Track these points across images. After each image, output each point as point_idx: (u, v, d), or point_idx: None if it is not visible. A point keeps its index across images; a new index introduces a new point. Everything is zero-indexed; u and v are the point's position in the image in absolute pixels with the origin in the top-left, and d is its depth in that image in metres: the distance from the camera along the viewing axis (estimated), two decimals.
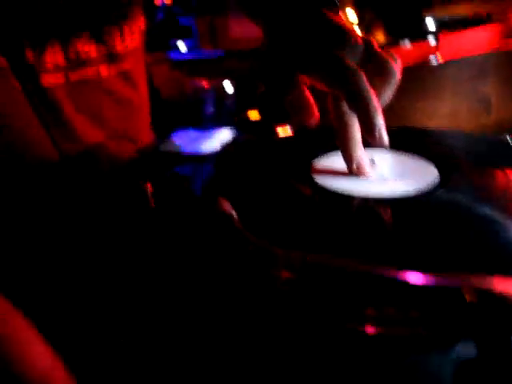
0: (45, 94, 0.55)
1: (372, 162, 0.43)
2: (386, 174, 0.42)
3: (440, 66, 0.87)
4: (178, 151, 0.87)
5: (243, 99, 1.48)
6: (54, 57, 0.55)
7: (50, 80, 0.55)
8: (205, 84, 1.62)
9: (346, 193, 0.37)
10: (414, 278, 0.22)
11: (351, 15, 1.61)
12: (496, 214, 0.31)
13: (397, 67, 0.44)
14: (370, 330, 0.22)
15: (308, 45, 0.43)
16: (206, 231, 0.32)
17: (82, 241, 0.49)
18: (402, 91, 0.74)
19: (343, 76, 0.40)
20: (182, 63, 1.83)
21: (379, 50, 0.45)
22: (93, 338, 0.42)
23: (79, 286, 0.46)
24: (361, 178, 0.41)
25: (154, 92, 1.45)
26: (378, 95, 0.40)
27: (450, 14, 1.27)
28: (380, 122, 0.39)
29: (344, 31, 0.43)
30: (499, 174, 0.41)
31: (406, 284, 0.22)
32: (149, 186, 0.39)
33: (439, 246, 0.29)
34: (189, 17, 1.89)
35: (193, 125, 1.15)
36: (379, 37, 1.60)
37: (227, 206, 0.33)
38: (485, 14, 1.32)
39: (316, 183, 0.40)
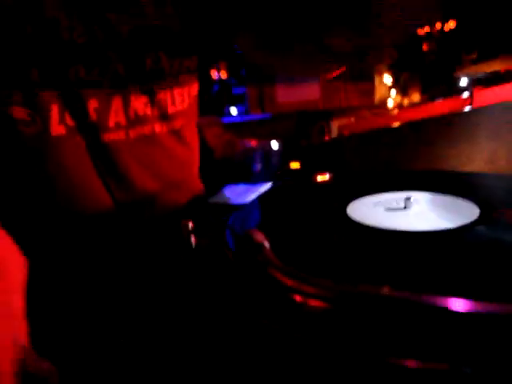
0: (106, 148, 0.58)
1: (408, 200, 0.41)
2: (425, 212, 0.41)
3: (474, 111, 0.83)
4: (226, 203, 0.89)
5: (287, 155, 1.53)
6: (116, 117, 0.59)
7: (112, 137, 0.59)
8: (253, 143, 1.70)
9: (381, 227, 0.36)
10: (458, 304, 0.20)
11: (387, 79, 1.64)
12: None
13: None
14: (412, 364, 0.19)
15: None
16: (239, 259, 0.32)
17: (127, 273, 0.49)
18: (437, 138, 0.72)
19: None
20: (233, 125, 1.95)
21: None
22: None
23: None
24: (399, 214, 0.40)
25: (208, 151, 1.55)
26: None
27: (482, 71, 1.25)
28: None
29: None
30: None
31: (449, 312, 0.20)
32: (191, 223, 0.39)
33: (481, 276, 0.27)
34: (241, 87, 2.05)
35: (242, 180, 1.18)
36: (415, 97, 1.60)
37: (260, 237, 0.33)
38: None
39: (352, 219, 0.39)
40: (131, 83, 0.60)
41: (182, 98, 0.69)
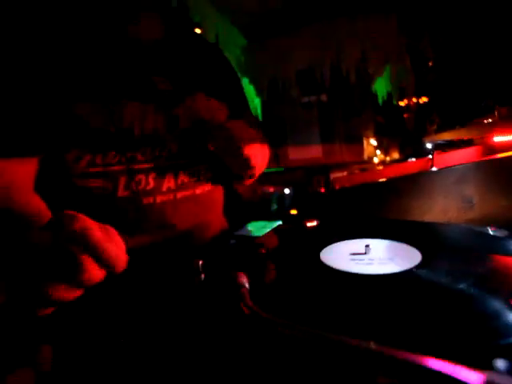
0: (157, 206, 0.65)
1: (367, 247, 0.46)
2: (378, 257, 0.44)
3: (433, 172, 0.96)
4: (249, 235, 0.97)
5: (297, 198, 1.84)
6: (168, 183, 0.68)
7: (163, 198, 0.67)
8: (271, 189, 2.03)
9: (346, 271, 0.40)
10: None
11: (373, 142, 1.98)
12: (471, 290, 0.32)
13: None
14: None
15: None
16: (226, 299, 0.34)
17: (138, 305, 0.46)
18: (404, 192, 0.87)
19: None
20: None
21: None
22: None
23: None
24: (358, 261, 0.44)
25: (237, 196, 1.84)
26: None
27: (442, 138, 1.50)
28: None
29: None
30: (479, 258, 0.41)
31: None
32: (201, 262, 0.42)
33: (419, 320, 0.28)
34: None
35: (262, 217, 1.26)
36: (394, 155, 1.92)
37: (242, 279, 0.35)
38: (467, 139, 1.48)
39: (323, 264, 0.43)
40: (181, 159, 0.69)
41: (212, 166, 0.76)
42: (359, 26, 1.83)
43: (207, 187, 0.75)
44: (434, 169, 1.10)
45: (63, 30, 0.62)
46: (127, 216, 0.63)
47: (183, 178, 0.69)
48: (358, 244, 0.50)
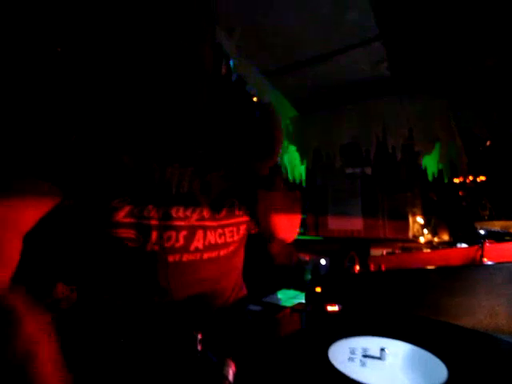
0: (183, 264, 0.67)
1: (382, 351, 0.41)
2: (395, 367, 0.39)
3: (480, 267, 0.85)
4: (277, 304, 1.01)
5: (333, 270, 1.78)
6: (197, 243, 0.70)
7: (190, 257, 0.69)
8: (307, 257, 1.99)
9: (355, 379, 0.36)
10: None
11: (420, 219, 1.88)
12: None
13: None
14: None
15: None
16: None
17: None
18: (441, 285, 0.78)
19: None
20: (293, 241, 2.27)
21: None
22: None
23: None
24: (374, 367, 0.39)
25: (270, 257, 1.84)
26: None
27: (493, 227, 1.39)
28: None
29: None
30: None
31: None
32: (200, 334, 0.42)
33: None
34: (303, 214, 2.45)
35: (294, 286, 1.31)
36: (443, 236, 1.79)
37: (230, 369, 0.35)
38: None
39: (331, 364, 0.39)
40: (211, 220, 0.72)
41: (238, 230, 0.79)
42: (405, 105, 1.86)
43: (232, 249, 0.77)
44: (486, 260, 1.03)
45: (128, 96, 0.70)
46: (151, 270, 0.64)
47: (211, 239, 0.71)
48: (374, 343, 0.44)
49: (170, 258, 0.66)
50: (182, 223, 0.68)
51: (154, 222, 0.64)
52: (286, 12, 1.48)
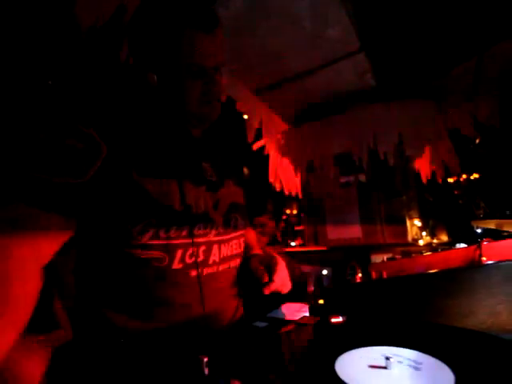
0: (203, 277, 0.72)
1: (388, 360, 0.40)
2: (402, 375, 0.38)
3: (478, 267, 0.86)
4: (282, 318, 1.01)
5: (335, 282, 1.78)
6: (214, 257, 0.76)
7: (209, 271, 0.75)
8: (309, 269, 2.00)
9: None
10: None
11: (417, 222, 1.89)
12: None
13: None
14: None
15: None
16: None
17: None
18: (441, 288, 0.78)
19: None
20: (294, 254, 2.28)
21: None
22: None
23: None
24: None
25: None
26: None
27: (488, 226, 1.39)
28: None
29: None
30: None
31: None
32: (206, 358, 0.42)
33: None
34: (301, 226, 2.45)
35: (298, 299, 1.29)
36: (442, 237, 1.80)
37: None
38: None
39: (336, 375, 0.39)
40: (224, 235, 0.79)
41: (240, 243, 0.86)
42: (393, 111, 1.90)
43: (238, 260, 0.84)
44: (485, 260, 1.04)
45: (143, 123, 0.74)
46: (174, 287, 0.69)
47: (224, 252, 0.78)
48: (379, 353, 0.44)
49: (192, 273, 0.71)
50: (202, 240, 0.73)
51: (178, 242, 0.69)
52: (270, 31, 1.55)
